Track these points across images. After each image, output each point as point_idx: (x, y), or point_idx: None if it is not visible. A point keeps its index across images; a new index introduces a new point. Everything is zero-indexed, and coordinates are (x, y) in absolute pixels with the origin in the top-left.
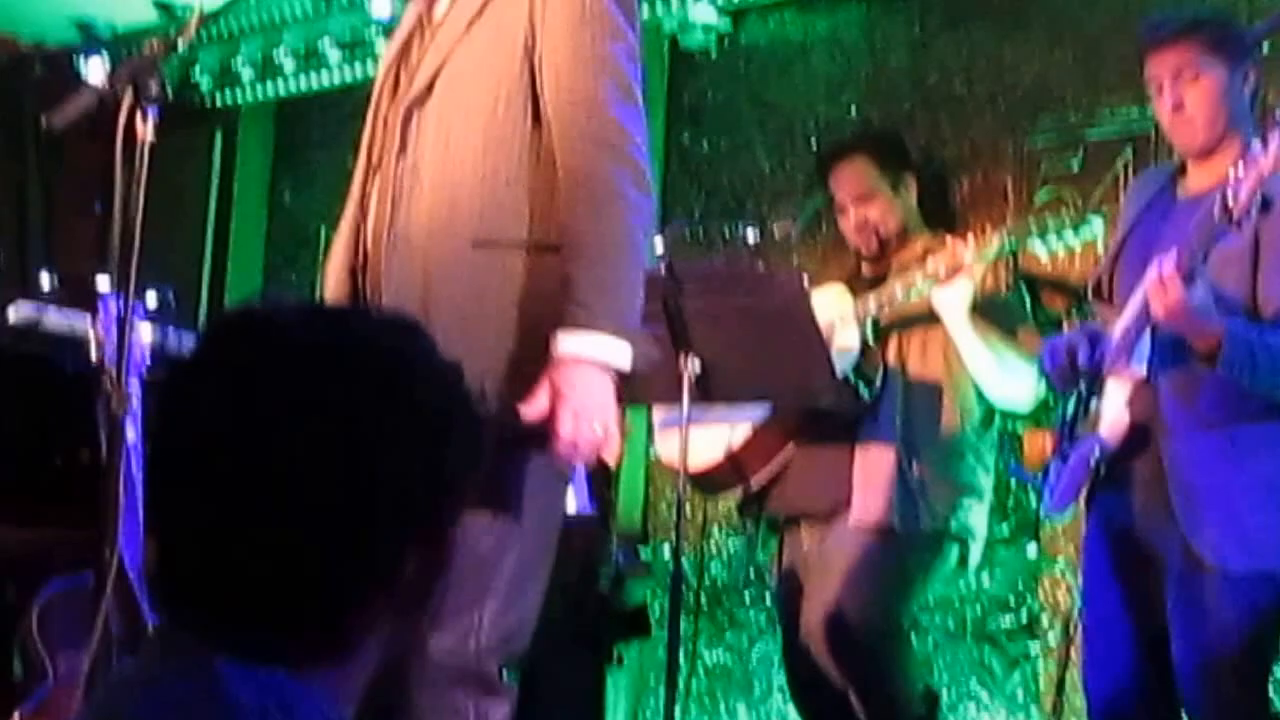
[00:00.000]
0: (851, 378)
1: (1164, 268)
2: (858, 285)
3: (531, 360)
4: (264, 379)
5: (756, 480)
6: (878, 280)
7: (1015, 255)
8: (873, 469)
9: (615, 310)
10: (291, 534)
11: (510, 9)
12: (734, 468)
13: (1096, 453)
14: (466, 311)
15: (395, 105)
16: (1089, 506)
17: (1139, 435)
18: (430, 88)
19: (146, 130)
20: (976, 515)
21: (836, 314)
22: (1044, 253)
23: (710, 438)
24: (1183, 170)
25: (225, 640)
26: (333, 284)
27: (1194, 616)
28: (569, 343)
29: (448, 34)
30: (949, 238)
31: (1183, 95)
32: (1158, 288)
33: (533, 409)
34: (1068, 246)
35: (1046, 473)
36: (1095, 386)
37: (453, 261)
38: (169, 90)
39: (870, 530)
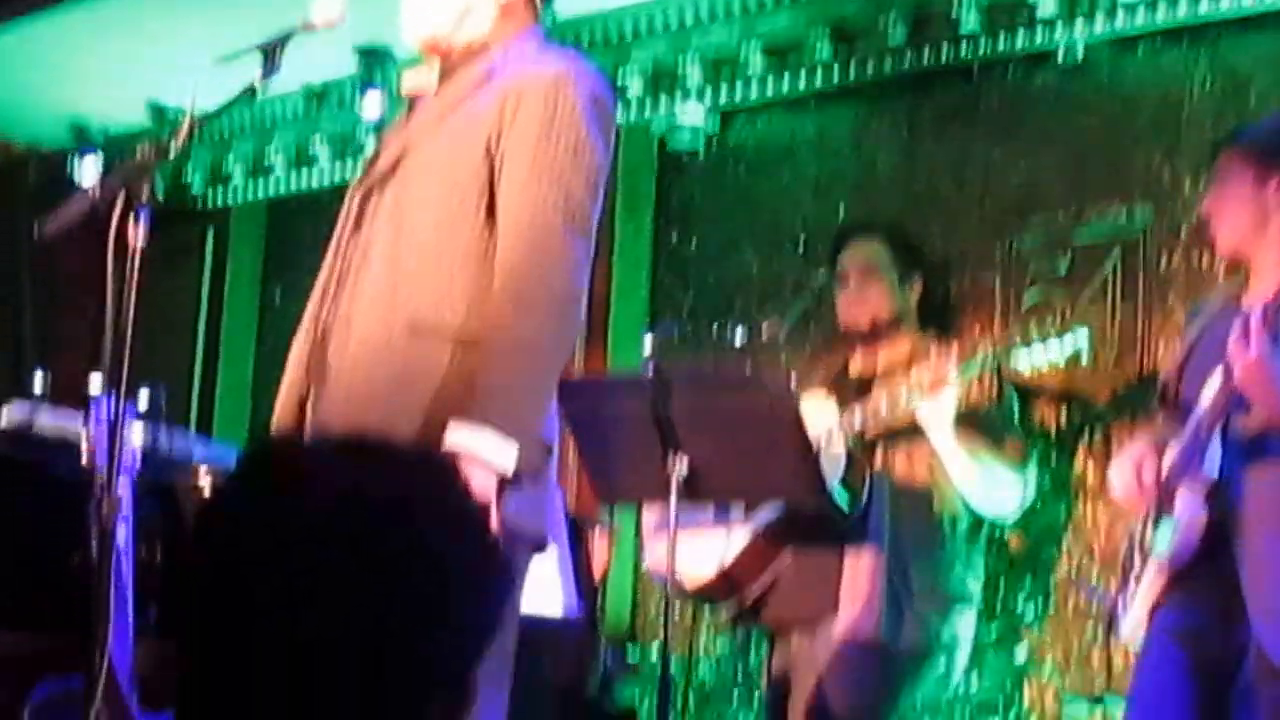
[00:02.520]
0: (839, 489)
1: (1251, 320)
2: (844, 387)
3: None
4: (291, 517)
5: (749, 594)
6: (864, 382)
7: (1000, 366)
8: (861, 581)
9: (509, 411)
10: (314, 675)
11: (483, 108)
12: (727, 584)
13: (1169, 571)
14: (390, 397)
15: (360, 185)
16: (1151, 617)
17: (1213, 539)
18: (393, 170)
19: (138, 235)
20: (965, 624)
21: (823, 425)
22: (1027, 367)
23: (701, 553)
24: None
25: None
26: (293, 359)
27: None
28: (455, 434)
29: (421, 122)
30: (934, 347)
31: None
32: (1240, 344)
33: None
34: (1051, 362)
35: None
36: (1166, 499)
37: (386, 345)
38: (161, 194)
39: (858, 644)
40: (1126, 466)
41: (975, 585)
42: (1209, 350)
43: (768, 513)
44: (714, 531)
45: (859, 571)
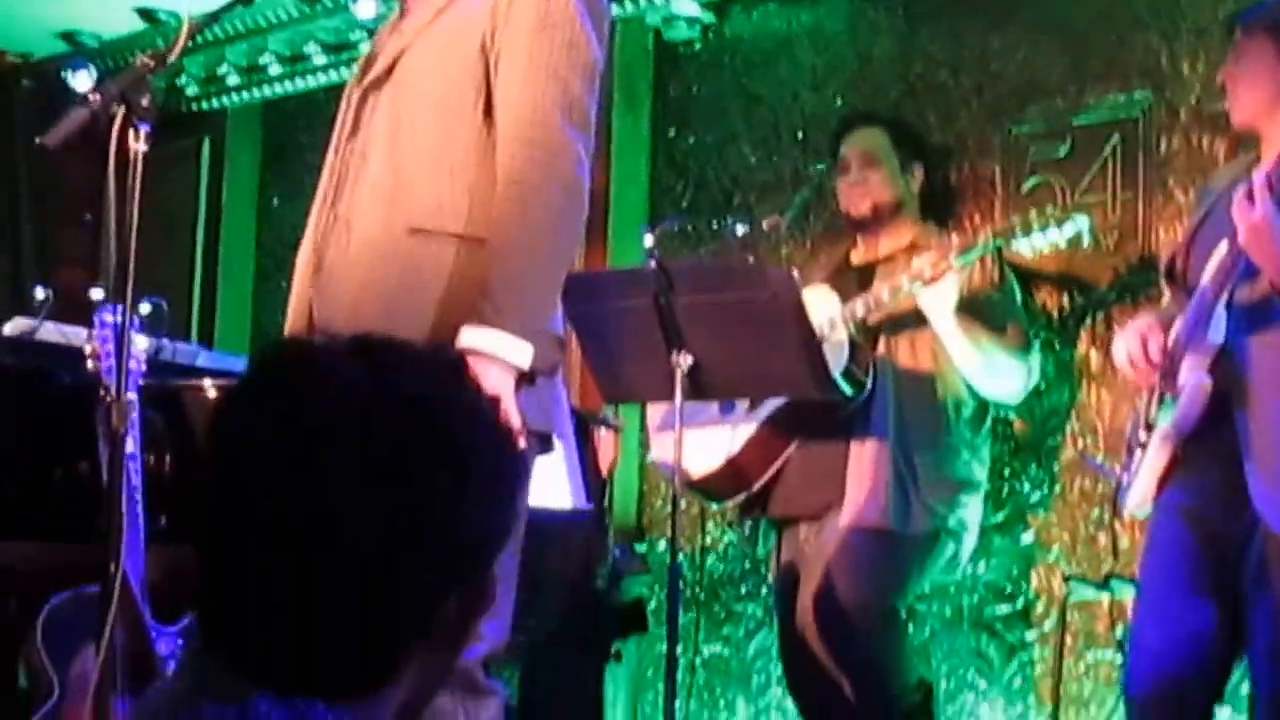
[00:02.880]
0: (842, 379)
1: (1256, 181)
2: (846, 277)
3: None
4: (308, 418)
5: (755, 486)
6: (866, 270)
7: (1000, 251)
8: (867, 469)
9: (521, 309)
10: (334, 574)
11: (476, 5)
12: (733, 476)
13: (1173, 439)
14: (395, 298)
15: (356, 88)
16: (1157, 495)
17: (1217, 407)
18: (389, 73)
19: (139, 146)
20: (972, 510)
21: (825, 316)
22: (1029, 251)
23: (707, 446)
24: (1259, 158)
25: (262, 670)
26: (299, 266)
27: (1270, 596)
28: (470, 336)
29: (413, 22)
30: (935, 235)
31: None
32: (1244, 204)
33: None
34: (1053, 244)
35: (1127, 466)
36: (1171, 373)
37: (387, 246)
38: (159, 104)
39: (866, 530)
40: (1133, 339)
41: (981, 471)
42: (1216, 224)
43: (770, 405)
44: (719, 427)
45: (864, 460)
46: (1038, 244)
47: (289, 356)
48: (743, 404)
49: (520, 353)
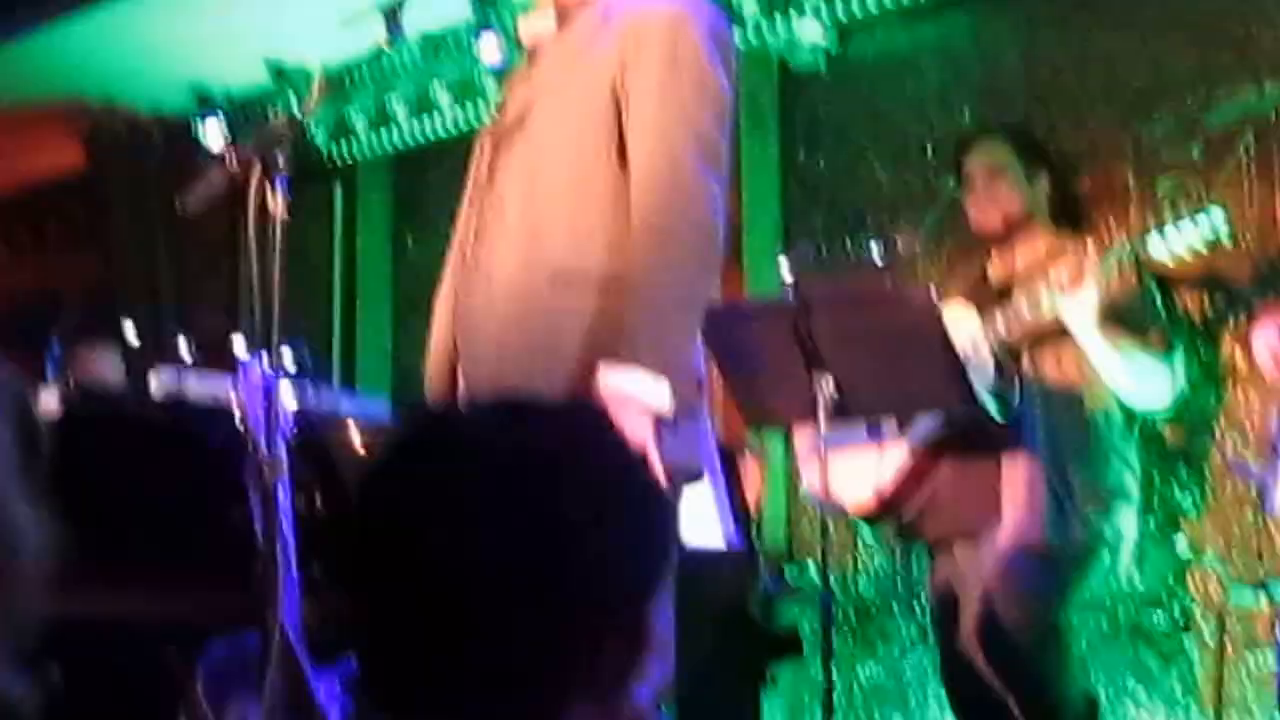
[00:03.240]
0: (989, 397)
1: None
2: (984, 293)
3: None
4: (465, 478)
5: (909, 512)
6: (1004, 285)
7: (1137, 255)
8: (1021, 487)
9: (660, 351)
10: (492, 628)
11: (604, 50)
12: (886, 503)
13: None
14: (536, 343)
15: (489, 137)
16: None
17: None
18: (521, 121)
19: (277, 204)
20: (1127, 519)
21: (966, 336)
22: (1165, 254)
23: (857, 474)
24: None
25: None
26: (438, 317)
27: None
28: (608, 377)
29: (543, 69)
30: (1070, 243)
31: None
32: None
33: None
34: (1190, 246)
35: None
36: None
37: (527, 293)
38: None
39: (1024, 547)
40: (1272, 336)
41: (1132, 480)
42: None
43: (921, 428)
44: (868, 451)
45: (1018, 477)
46: (1174, 244)
47: (435, 420)
48: (891, 428)
49: (659, 393)
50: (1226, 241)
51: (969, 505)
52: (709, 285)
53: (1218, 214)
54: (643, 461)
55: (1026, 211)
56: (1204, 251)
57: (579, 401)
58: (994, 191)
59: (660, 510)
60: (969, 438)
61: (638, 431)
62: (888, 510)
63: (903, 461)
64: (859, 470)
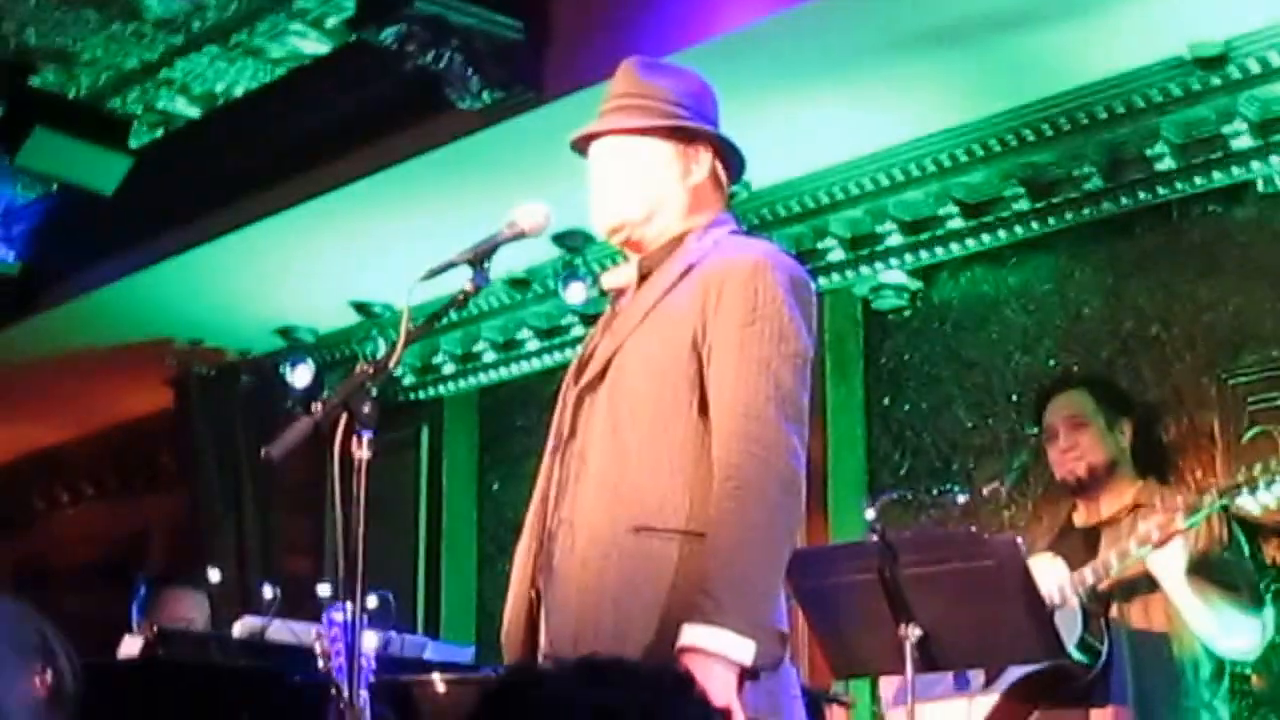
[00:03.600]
0: (1077, 649)
1: None
2: (1071, 540)
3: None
4: None
5: None
6: (1090, 532)
7: (1227, 509)
8: None
9: (743, 607)
10: None
11: (685, 302)
12: None
13: None
14: (620, 596)
15: (572, 390)
16: None
17: None
18: (603, 375)
19: (362, 453)
20: None
21: (1054, 585)
22: (1257, 509)
23: None
24: None
25: None
26: (518, 565)
27: None
28: (692, 633)
29: (625, 323)
30: (1159, 495)
31: None
32: None
33: None
34: (1278, 498)
35: None
36: None
37: (611, 546)
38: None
39: None
40: None
41: None
42: None
43: (1009, 677)
44: (955, 701)
45: None
46: (1264, 500)
47: (520, 682)
48: (978, 678)
49: (743, 650)
50: None
51: None
52: (792, 539)
53: None
54: (716, 712)
55: (1110, 460)
56: None
57: (664, 665)
58: (1077, 442)
59: None
60: (1058, 687)
61: (722, 690)
62: None
63: (992, 710)
64: (946, 718)
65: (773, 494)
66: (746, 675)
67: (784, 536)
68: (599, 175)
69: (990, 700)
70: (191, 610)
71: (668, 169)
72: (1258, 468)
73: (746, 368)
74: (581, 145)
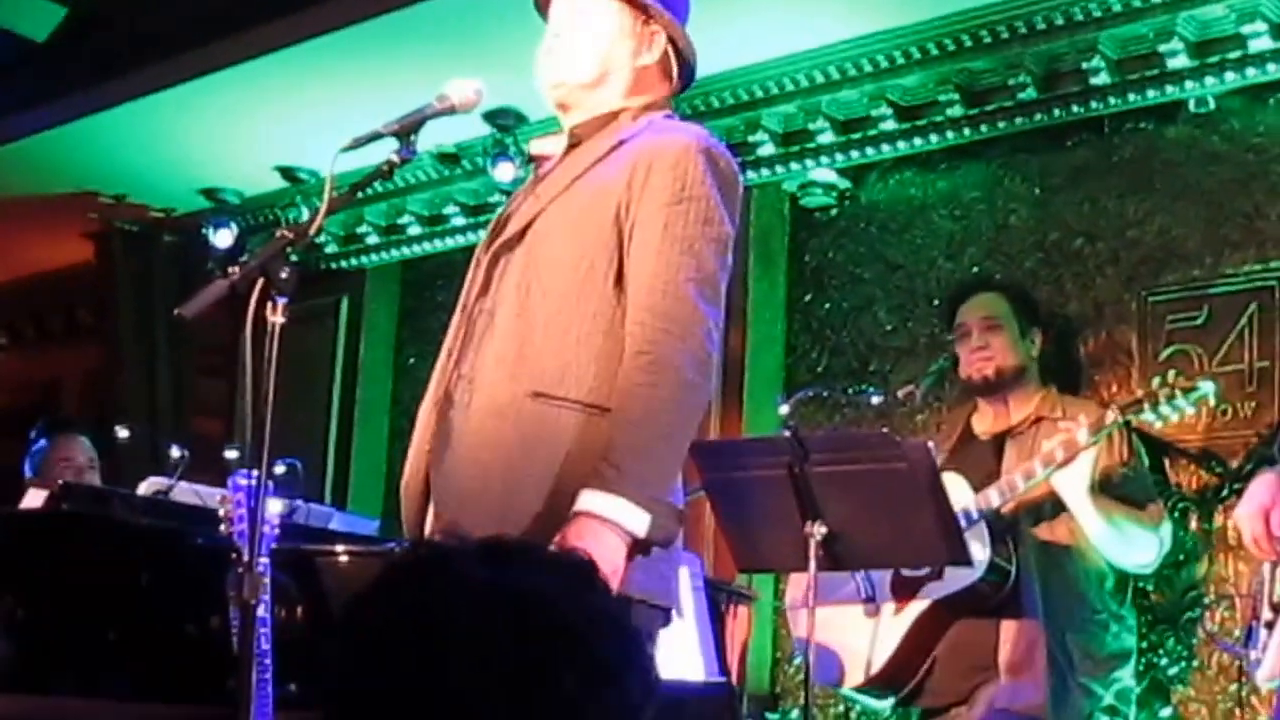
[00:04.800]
0: (987, 570)
1: None
2: (973, 449)
3: (563, 519)
4: (437, 620)
5: (906, 685)
6: (995, 438)
7: (1130, 425)
8: (1021, 654)
9: (644, 479)
10: None
11: (613, 174)
12: (887, 679)
13: None
14: (513, 459)
15: (487, 249)
16: None
17: None
18: (522, 236)
19: (276, 318)
20: (1128, 681)
21: (959, 507)
22: (1157, 422)
23: (855, 648)
24: None
25: None
26: (420, 422)
27: None
28: (590, 499)
29: (549, 188)
30: (1063, 410)
31: None
32: None
33: None
34: (1180, 411)
35: (1247, 641)
36: None
37: (509, 408)
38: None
39: (1023, 712)
40: (1255, 514)
41: (1131, 639)
42: None
43: (920, 603)
44: (865, 622)
45: (1019, 644)
46: (1166, 414)
47: (420, 558)
48: (885, 591)
49: (638, 520)
50: (1222, 409)
51: (966, 674)
52: (696, 419)
53: (1208, 387)
54: (627, 616)
55: (1020, 366)
56: (1200, 420)
57: (570, 552)
58: (989, 343)
59: (639, 665)
60: (968, 609)
61: (610, 557)
62: (888, 684)
63: (903, 636)
64: (856, 642)
65: (685, 372)
66: (639, 549)
67: (691, 416)
68: (553, 25)
69: (903, 628)
70: (79, 456)
71: (623, 40)
72: (1156, 382)
73: (669, 246)
74: (543, 3)
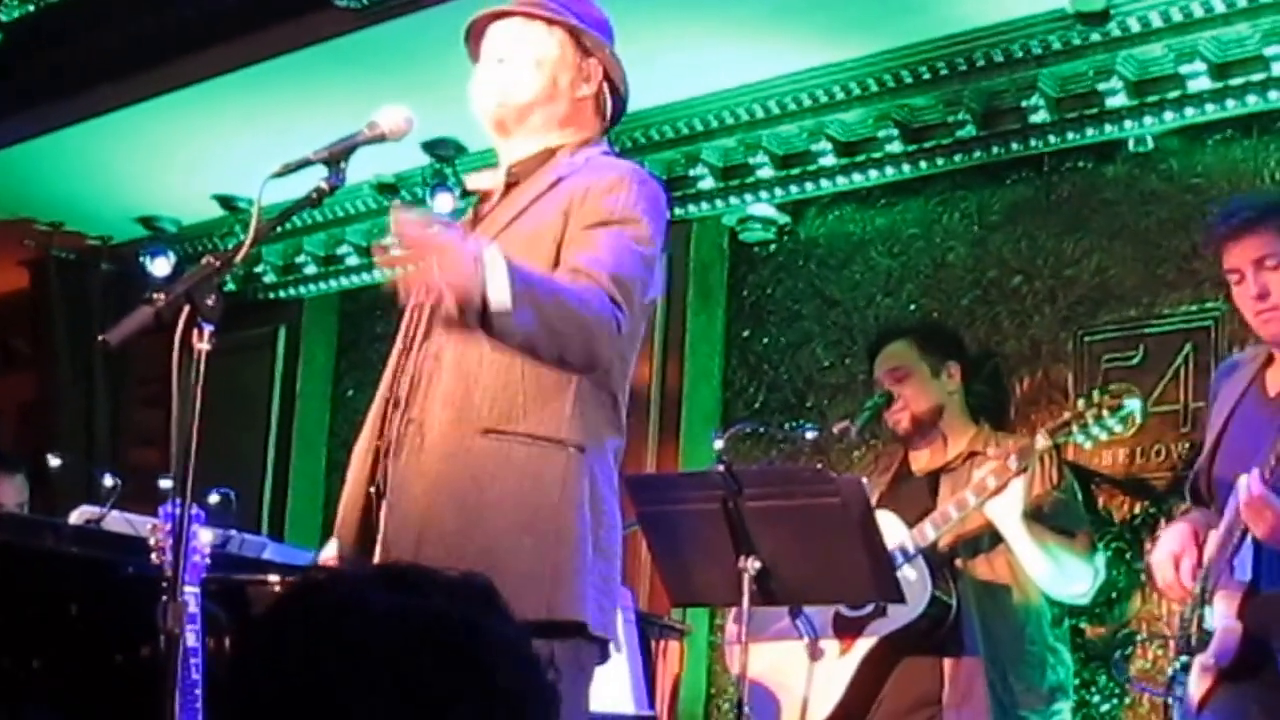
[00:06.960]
0: (929, 607)
1: (1252, 488)
2: (908, 489)
3: (521, 551)
4: (335, 646)
5: None
6: (930, 479)
7: (1059, 450)
8: (964, 689)
9: (532, 304)
10: None
11: (550, 211)
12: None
13: (1213, 663)
14: (465, 497)
15: None
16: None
17: (1253, 647)
18: None
19: (202, 345)
20: (1067, 716)
21: (894, 543)
22: (1087, 443)
23: (797, 691)
24: (1269, 362)
25: None
26: (355, 465)
27: None
28: (487, 251)
29: (489, 226)
30: (992, 441)
31: (1267, 283)
32: (1250, 512)
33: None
34: (1109, 430)
35: (1170, 684)
36: (1206, 595)
37: (459, 447)
38: (234, 285)
39: None
40: (1165, 560)
41: (1068, 675)
42: (1236, 446)
43: (866, 640)
44: (807, 665)
45: (960, 679)
46: (1095, 433)
47: (317, 583)
48: (831, 644)
49: (499, 291)
50: (1141, 419)
51: (913, 708)
52: (582, 339)
53: (1134, 404)
54: (528, 644)
55: (936, 406)
56: (1120, 431)
57: (469, 574)
58: (900, 394)
59: (539, 695)
60: (911, 643)
61: (463, 272)
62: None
63: (850, 676)
64: (794, 686)
65: (608, 318)
66: (477, 313)
67: (580, 332)
68: (493, 51)
69: (851, 668)
70: (11, 496)
71: (562, 69)
72: (1082, 403)
73: (595, 247)
74: (477, 30)
